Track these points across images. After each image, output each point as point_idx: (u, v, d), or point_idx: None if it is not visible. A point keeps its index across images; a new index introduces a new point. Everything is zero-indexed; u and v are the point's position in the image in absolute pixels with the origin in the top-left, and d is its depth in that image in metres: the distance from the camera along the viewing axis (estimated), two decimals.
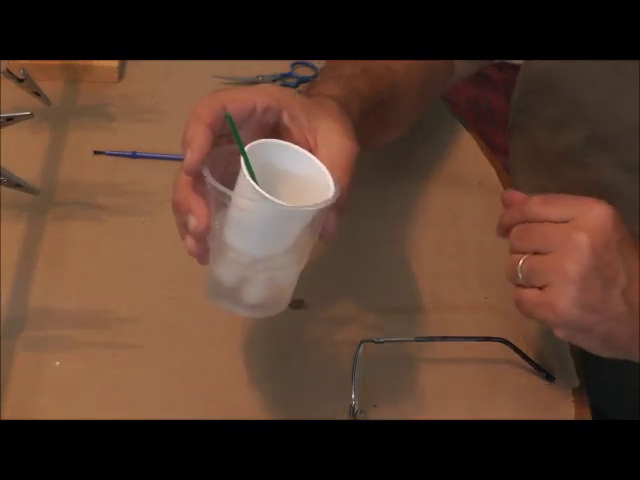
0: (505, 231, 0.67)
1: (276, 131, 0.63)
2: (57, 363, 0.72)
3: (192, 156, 0.57)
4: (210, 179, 0.57)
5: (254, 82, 0.99)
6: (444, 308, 0.79)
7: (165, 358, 0.73)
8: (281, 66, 1.01)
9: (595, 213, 0.61)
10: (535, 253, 0.63)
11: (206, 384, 0.72)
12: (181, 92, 0.97)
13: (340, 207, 0.61)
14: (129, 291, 0.77)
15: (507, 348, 0.74)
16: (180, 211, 0.60)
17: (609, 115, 0.79)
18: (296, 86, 1.00)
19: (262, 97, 0.61)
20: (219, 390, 0.71)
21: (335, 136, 0.63)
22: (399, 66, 0.79)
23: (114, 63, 0.97)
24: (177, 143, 0.90)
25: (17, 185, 0.75)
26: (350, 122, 0.66)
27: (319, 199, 0.58)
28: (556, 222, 0.63)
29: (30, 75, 0.80)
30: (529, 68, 0.90)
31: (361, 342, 0.72)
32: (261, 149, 0.59)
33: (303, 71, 1.02)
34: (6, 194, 0.75)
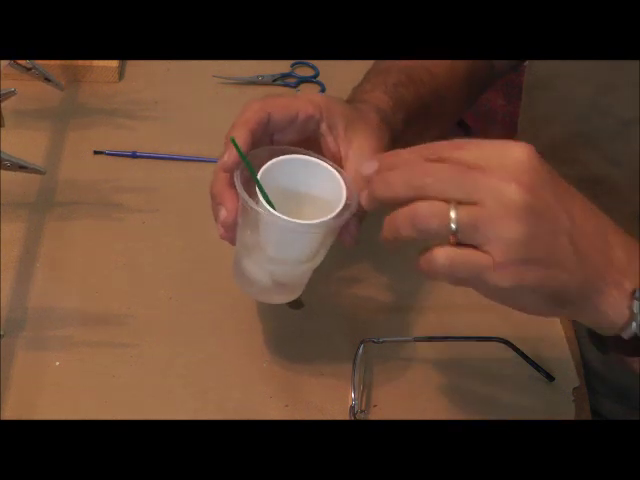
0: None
1: (314, 136, 0.67)
2: (57, 363, 0.72)
3: (229, 157, 0.62)
4: (238, 186, 0.61)
5: (254, 82, 1.00)
6: (444, 308, 0.79)
7: (165, 358, 0.73)
8: (281, 66, 1.01)
9: (516, 156, 0.53)
10: (458, 202, 0.52)
11: (206, 384, 0.72)
12: (181, 92, 0.98)
13: (360, 216, 0.64)
14: (129, 291, 0.77)
15: (507, 348, 0.74)
16: (215, 201, 0.65)
17: (598, 111, 0.79)
18: (296, 86, 1.00)
19: (306, 106, 0.65)
20: (219, 390, 0.72)
21: (366, 150, 0.66)
22: (440, 69, 0.81)
23: (114, 63, 0.97)
24: (177, 143, 0.91)
25: (21, 167, 0.75)
26: (387, 135, 0.69)
27: (332, 212, 0.62)
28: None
29: (36, 63, 0.79)
30: (530, 68, 0.90)
31: (361, 342, 0.72)
32: (288, 163, 0.64)
33: (303, 71, 1.02)
34: (6, 194, 0.75)
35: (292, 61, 1.02)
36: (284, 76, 1.01)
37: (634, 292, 0.55)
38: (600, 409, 0.83)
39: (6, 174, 0.80)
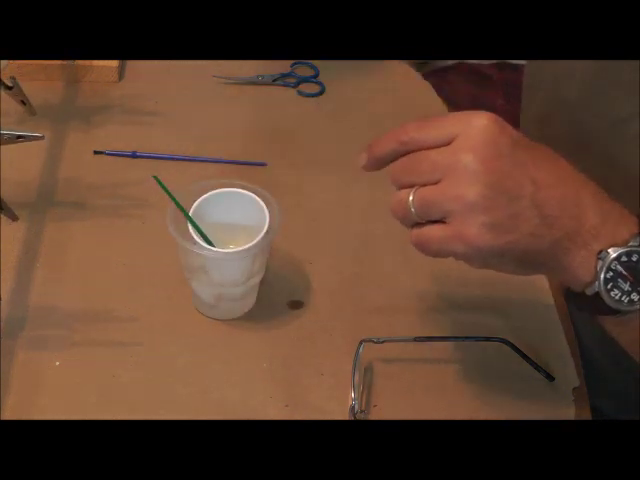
0: (377, 163, 0.61)
1: None
2: (57, 363, 0.72)
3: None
4: (171, 230, 0.70)
5: (254, 82, 0.99)
6: (444, 308, 0.79)
7: (165, 358, 0.73)
8: (281, 66, 1.01)
9: (476, 126, 0.56)
10: (424, 184, 0.57)
11: (206, 384, 0.72)
12: (181, 92, 0.97)
13: None
14: (129, 291, 0.77)
15: (507, 348, 0.74)
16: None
17: (592, 111, 0.79)
18: (296, 86, 1.00)
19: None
20: (219, 390, 0.72)
21: None
22: None
23: (114, 63, 0.97)
24: (177, 143, 0.91)
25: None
26: None
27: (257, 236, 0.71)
28: (440, 145, 0.57)
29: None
30: (527, 68, 0.90)
31: (361, 342, 0.72)
32: (216, 197, 0.73)
33: (303, 71, 1.02)
34: (6, 194, 0.75)
35: (292, 61, 1.02)
36: (284, 76, 1.01)
37: (600, 252, 0.57)
38: (600, 408, 0.83)
39: (6, 174, 0.80)
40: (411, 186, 0.58)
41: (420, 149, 0.58)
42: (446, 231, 0.57)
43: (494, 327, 0.77)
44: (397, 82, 1.02)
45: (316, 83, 1.01)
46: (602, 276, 0.56)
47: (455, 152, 0.56)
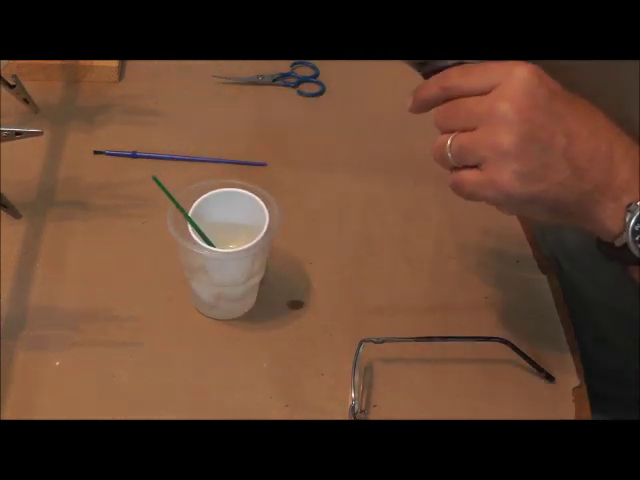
0: (421, 107, 0.64)
1: None
2: (57, 363, 0.72)
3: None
4: (171, 230, 0.70)
5: (254, 82, 0.99)
6: (444, 308, 0.79)
7: (165, 358, 0.73)
8: (281, 66, 1.01)
9: (516, 76, 0.58)
10: (463, 131, 0.60)
11: (206, 384, 0.72)
12: (181, 92, 0.98)
13: None
14: (129, 291, 0.77)
15: (507, 348, 0.74)
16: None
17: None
18: (296, 86, 1.00)
19: None
20: (219, 390, 0.72)
21: None
22: None
23: (114, 63, 0.97)
24: (177, 143, 0.91)
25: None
26: None
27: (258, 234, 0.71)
28: (479, 93, 0.59)
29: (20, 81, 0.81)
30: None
31: (361, 342, 0.72)
32: (215, 198, 0.73)
33: (303, 71, 1.02)
34: (6, 194, 0.75)
35: (292, 61, 1.02)
36: (284, 76, 1.01)
37: (630, 205, 0.58)
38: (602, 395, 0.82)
39: (6, 174, 0.80)
40: (451, 131, 0.60)
41: (461, 96, 0.60)
42: (479, 176, 0.59)
43: (494, 327, 0.77)
44: (397, 82, 1.02)
45: (316, 83, 1.01)
46: (630, 228, 0.58)
47: (494, 101, 0.57)
